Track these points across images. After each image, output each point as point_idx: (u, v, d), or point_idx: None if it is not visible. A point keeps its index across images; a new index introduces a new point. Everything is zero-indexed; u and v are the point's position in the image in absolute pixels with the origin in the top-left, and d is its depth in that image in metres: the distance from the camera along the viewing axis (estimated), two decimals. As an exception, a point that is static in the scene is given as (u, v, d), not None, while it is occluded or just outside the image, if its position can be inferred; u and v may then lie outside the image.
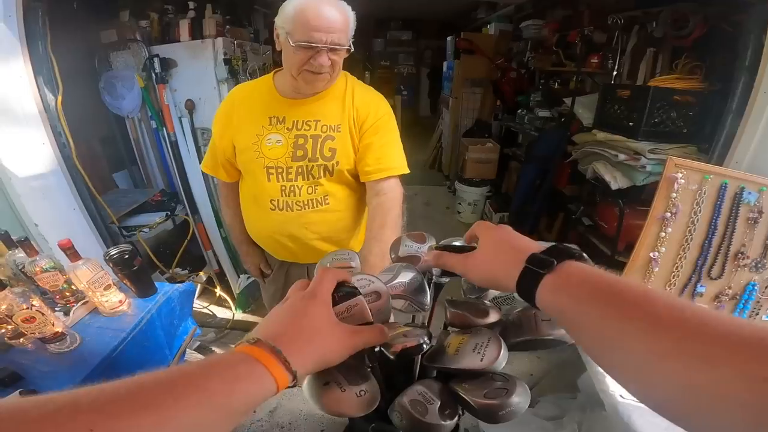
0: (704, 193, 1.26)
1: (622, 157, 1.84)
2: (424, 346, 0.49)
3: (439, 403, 0.48)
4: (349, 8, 1.01)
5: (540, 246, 0.41)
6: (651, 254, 1.39)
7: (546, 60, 3.30)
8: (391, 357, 0.49)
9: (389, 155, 1.16)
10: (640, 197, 1.93)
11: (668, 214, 1.32)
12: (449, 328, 0.60)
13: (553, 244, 0.40)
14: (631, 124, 1.85)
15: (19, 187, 1.39)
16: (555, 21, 3.17)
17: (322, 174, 1.14)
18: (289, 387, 0.35)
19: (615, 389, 1.19)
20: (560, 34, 2.97)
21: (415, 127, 9.15)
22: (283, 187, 1.14)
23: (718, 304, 1.34)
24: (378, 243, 1.08)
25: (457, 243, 0.58)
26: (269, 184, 1.14)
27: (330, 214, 1.20)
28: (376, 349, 0.51)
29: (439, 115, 5.81)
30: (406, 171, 1.19)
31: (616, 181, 1.92)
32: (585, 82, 2.71)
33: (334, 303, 0.47)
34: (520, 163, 3.42)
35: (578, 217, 2.39)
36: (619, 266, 1.93)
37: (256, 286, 2.50)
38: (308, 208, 1.16)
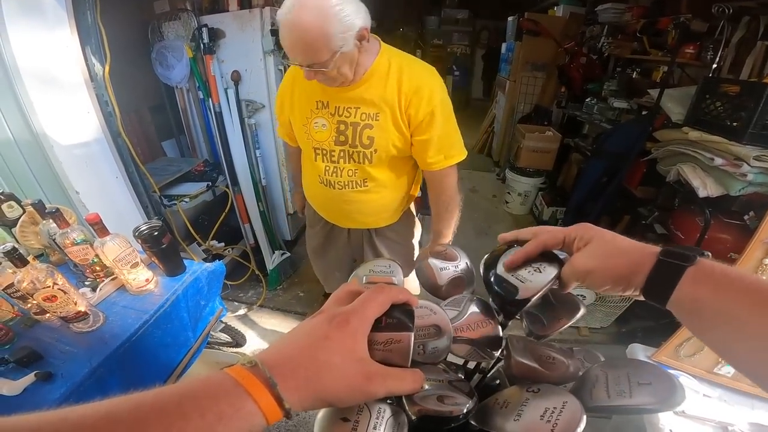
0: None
1: (718, 161, 1.60)
2: (460, 417, 0.38)
3: None
4: (326, 20, 0.87)
5: (650, 246, 0.41)
6: None
7: (626, 47, 2.96)
8: (411, 416, 0.38)
9: (448, 145, 1.14)
10: (730, 208, 1.69)
11: None
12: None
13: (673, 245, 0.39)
14: (735, 124, 1.60)
15: (62, 155, 1.39)
16: (641, 6, 2.83)
17: (361, 160, 1.14)
18: (287, 419, 0.30)
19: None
20: (647, 20, 2.63)
21: (466, 109, 8.83)
22: (327, 168, 1.18)
23: None
24: (447, 222, 1.22)
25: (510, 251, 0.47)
26: (316, 162, 1.19)
27: (369, 194, 1.22)
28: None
29: (493, 98, 5.48)
30: (465, 154, 1.19)
31: (705, 188, 1.68)
32: (674, 73, 2.39)
33: (379, 328, 0.36)
34: (583, 155, 3.11)
35: (649, 222, 2.15)
36: None
37: (289, 263, 2.51)
38: (348, 188, 1.20)
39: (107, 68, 1.51)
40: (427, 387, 0.40)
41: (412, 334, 0.37)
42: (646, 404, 0.38)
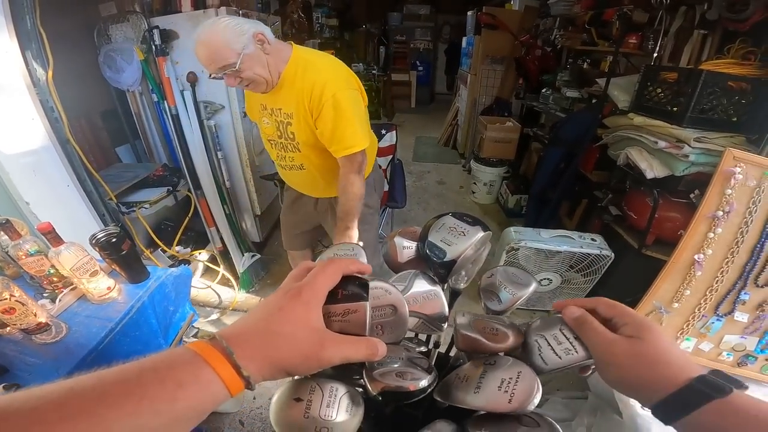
0: (762, 191, 1.13)
1: (662, 144, 1.71)
2: (421, 393, 0.40)
3: None
4: (221, 31, 1.08)
5: (697, 367, 0.37)
6: (696, 256, 1.27)
7: (576, 38, 3.10)
8: (373, 394, 0.40)
9: (340, 137, 1.23)
10: (676, 188, 1.81)
11: (720, 213, 1.20)
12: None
13: (715, 370, 0.37)
14: (675, 109, 1.69)
15: (8, 164, 1.32)
16: None
17: (293, 149, 1.36)
18: (249, 389, 0.32)
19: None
20: (594, 12, 2.77)
21: (431, 103, 8.95)
22: (279, 155, 1.43)
23: (761, 313, 1.23)
24: (342, 207, 1.29)
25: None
26: (272, 150, 1.45)
27: (308, 174, 1.43)
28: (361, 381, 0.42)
29: (456, 92, 5.60)
30: (362, 147, 1.26)
31: (652, 170, 1.79)
32: (619, 63, 2.52)
33: (335, 300, 0.38)
34: (542, 144, 3.25)
35: (604, 205, 2.27)
36: (647, 260, 1.84)
37: (261, 264, 2.48)
38: (295, 170, 1.44)
39: (50, 73, 1.43)
40: (389, 363, 0.42)
41: (368, 304, 0.39)
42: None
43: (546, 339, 0.45)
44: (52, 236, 0.98)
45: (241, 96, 2.10)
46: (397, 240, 0.62)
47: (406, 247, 0.61)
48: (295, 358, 0.34)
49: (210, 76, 1.14)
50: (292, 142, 1.33)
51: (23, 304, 0.92)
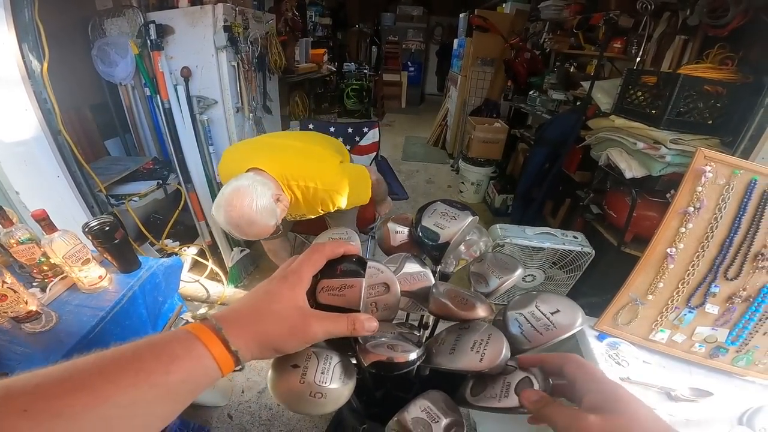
0: (731, 189, 1.19)
1: (640, 145, 1.77)
2: (410, 365, 0.43)
3: (445, 421, 0.43)
4: (258, 217, 1.14)
5: None
6: (668, 250, 1.32)
7: (564, 42, 3.18)
8: (365, 366, 0.42)
9: (358, 195, 1.46)
10: (654, 188, 1.88)
11: (691, 209, 1.26)
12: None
13: None
14: (653, 111, 1.76)
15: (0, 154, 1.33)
16: (578, 3, 3.05)
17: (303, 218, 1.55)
18: (236, 370, 0.34)
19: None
20: (582, 17, 2.85)
21: (420, 104, 9.01)
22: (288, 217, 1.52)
23: (730, 305, 1.29)
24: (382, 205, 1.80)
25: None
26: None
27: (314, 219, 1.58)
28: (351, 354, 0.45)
29: (446, 93, 5.66)
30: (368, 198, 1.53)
31: (631, 170, 1.86)
32: (604, 66, 2.61)
33: (333, 275, 0.41)
34: (528, 145, 3.32)
35: (586, 204, 2.34)
36: (625, 257, 1.92)
37: (249, 259, 2.49)
38: (301, 218, 1.57)
39: (45, 65, 1.44)
40: (375, 341, 0.44)
41: (364, 280, 0.41)
42: (566, 328, 0.47)
43: (524, 316, 0.49)
44: (46, 223, 0.99)
45: (234, 92, 2.13)
46: (390, 225, 0.66)
47: (399, 232, 0.65)
48: (281, 334, 0.36)
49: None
50: (306, 218, 1.53)
51: (15, 291, 0.91)
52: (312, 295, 0.41)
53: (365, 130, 2.31)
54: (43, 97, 1.45)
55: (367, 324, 0.39)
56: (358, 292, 0.41)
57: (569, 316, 0.47)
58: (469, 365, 0.43)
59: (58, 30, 1.60)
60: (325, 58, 4.67)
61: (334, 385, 0.41)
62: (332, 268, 0.41)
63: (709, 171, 1.20)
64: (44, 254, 1.07)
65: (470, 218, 0.59)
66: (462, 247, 0.68)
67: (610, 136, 1.99)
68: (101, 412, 0.26)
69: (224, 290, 2.33)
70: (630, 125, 1.88)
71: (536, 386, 0.41)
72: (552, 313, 0.48)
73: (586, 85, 2.49)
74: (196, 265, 2.37)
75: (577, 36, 2.91)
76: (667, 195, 1.79)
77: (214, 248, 2.35)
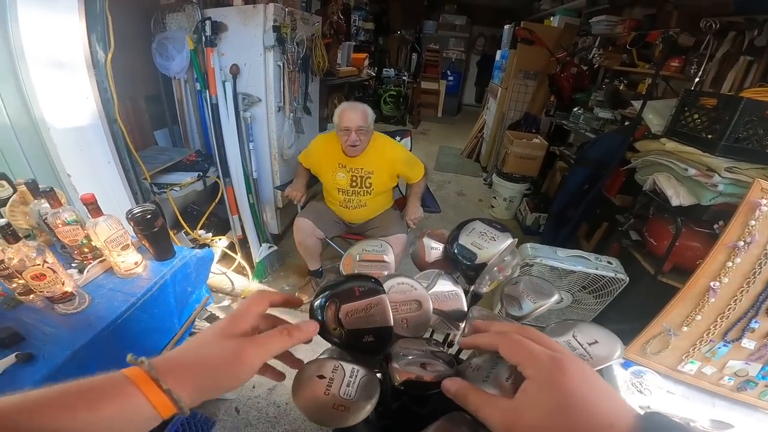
0: (786, 225, 1.11)
1: (691, 171, 1.66)
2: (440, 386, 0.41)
3: None
4: (368, 110, 1.89)
5: (627, 420, 0.27)
6: (711, 284, 1.27)
7: (615, 58, 3.07)
8: (397, 384, 0.42)
9: (412, 173, 2.06)
10: (701, 218, 1.77)
11: (741, 243, 1.19)
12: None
13: (654, 413, 0.27)
14: (709, 136, 1.66)
15: (57, 138, 1.40)
16: (634, 19, 2.94)
17: (365, 194, 2.01)
18: (180, 413, 0.33)
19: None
20: (638, 33, 2.74)
21: (456, 114, 8.95)
22: (345, 198, 2.03)
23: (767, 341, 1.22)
24: (415, 202, 2.08)
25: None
26: (338, 195, 2.03)
27: (366, 210, 2.08)
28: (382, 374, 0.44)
29: (485, 104, 5.59)
30: (423, 173, 2.09)
31: (678, 197, 1.75)
32: (658, 85, 2.49)
33: (354, 298, 0.41)
34: (568, 163, 3.21)
35: (625, 229, 2.23)
36: (659, 287, 1.80)
37: (276, 256, 2.55)
38: (357, 209, 2.05)
39: (110, 56, 1.53)
40: (406, 360, 0.44)
41: (386, 296, 0.41)
42: (603, 360, 0.44)
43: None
44: (93, 207, 1.04)
45: (277, 91, 2.19)
46: (426, 240, 0.64)
47: (434, 248, 0.64)
48: (217, 370, 0.35)
49: (345, 129, 1.82)
50: (368, 189, 1.98)
51: (54, 272, 0.94)
52: (338, 323, 0.40)
53: (398, 138, 2.32)
54: (104, 86, 1.54)
55: (304, 327, 0.39)
56: (385, 308, 0.41)
57: (607, 348, 0.45)
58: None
59: (124, 22, 1.69)
60: (366, 62, 4.73)
61: (359, 398, 0.40)
62: (349, 292, 0.41)
63: (765, 204, 1.12)
64: (87, 237, 1.11)
65: (510, 240, 0.58)
66: (496, 268, 0.67)
67: (659, 160, 1.89)
68: None
69: (249, 285, 2.38)
70: (682, 149, 1.78)
71: None
72: (590, 344, 0.45)
73: (636, 104, 2.37)
74: (224, 258, 2.44)
75: (631, 53, 2.80)
76: (715, 226, 1.70)
77: (243, 242, 2.42)
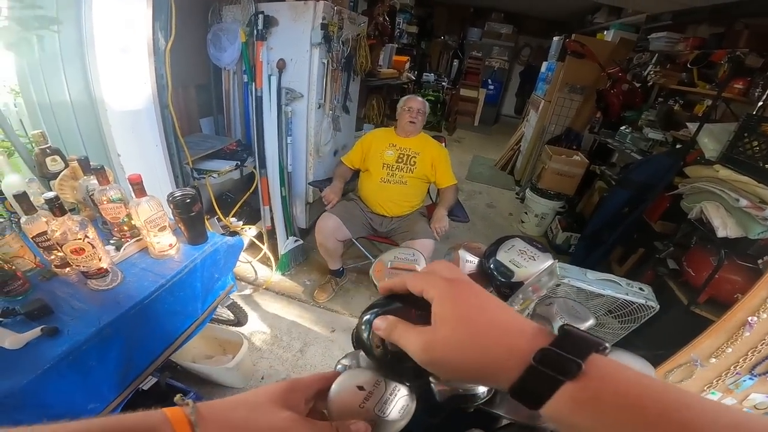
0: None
1: (743, 202, 1.56)
2: (480, 399, 0.42)
3: None
4: (426, 102, 2.24)
5: (532, 325, 0.30)
6: (749, 318, 1.22)
7: (672, 77, 2.91)
8: (437, 398, 0.41)
9: (446, 176, 2.22)
10: (746, 251, 1.65)
11: None
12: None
13: (562, 327, 0.29)
14: (767, 166, 1.56)
15: (113, 119, 1.48)
16: (698, 37, 2.78)
17: (408, 171, 2.18)
18: None
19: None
20: (701, 52, 2.59)
21: (494, 124, 8.79)
22: (389, 172, 2.17)
23: None
24: (442, 211, 2.13)
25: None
26: (379, 170, 2.17)
27: (405, 188, 2.19)
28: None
29: (525, 116, 5.46)
30: (455, 182, 2.24)
31: (725, 228, 1.65)
32: (717, 108, 2.34)
33: (411, 321, 0.39)
34: (608, 184, 3.06)
35: (663, 257, 2.11)
36: (692, 317, 1.73)
37: (301, 250, 2.58)
38: (396, 184, 2.18)
39: (170, 44, 1.59)
40: None
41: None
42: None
43: None
44: (138, 187, 1.08)
45: (319, 88, 2.24)
46: (462, 253, 0.62)
47: (469, 261, 0.62)
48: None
49: (409, 108, 2.15)
50: (411, 167, 2.16)
51: (93, 247, 0.96)
52: (381, 343, 0.39)
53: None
54: (161, 73, 1.61)
55: (353, 428, 0.36)
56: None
57: None
58: (517, 415, 0.41)
59: (185, 12, 1.76)
60: (407, 65, 4.73)
61: (393, 416, 0.39)
62: (407, 313, 0.39)
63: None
64: (128, 215, 1.16)
65: (550, 262, 0.56)
66: (531, 288, 0.64)
67: (709, 188, 1.78)
68: None
69: (272, 275, 2.43)
70: (736, 178, 1.67)
71: None
72: None
73: (691, 126, 2.23)
74: (251, 247, 2.50)
75: (691, 71, 2.64)
76: (759, 261, 1.59)
77: (271, 234, 2.47)
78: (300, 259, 2.61)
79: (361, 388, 0.39)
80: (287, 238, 2.47)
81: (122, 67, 1.46)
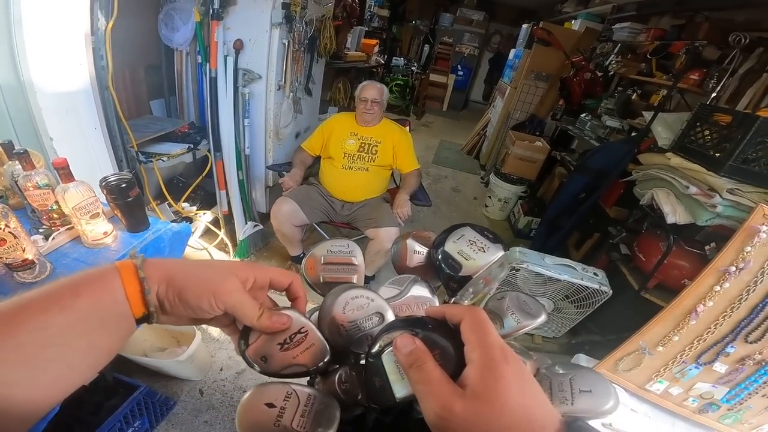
0: (784, 254, 1.08)
1: (692, 189, 1.61)
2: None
3: None
4: (384, 89, 2.17)
5: (555, 421, 0.27)
6: (697, 307, 1.26)
7: (632, 67, 3.00)
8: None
9: (408, 161, 2.22)
10: (693, 237, 1.73)
11: (733, 269, 1.16)
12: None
13: (576, 419, 0.28)
14: (717, 155, 1.60)
15: (43, 102, 1.37)
16: (660, 28, 2.86)
17: (370, 160, 2.15)
18: (146, 319, 0.34)
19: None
20: (661, 43, 2.66)
21: (462, 109, 8.84)
22: (350, 160, 2.13)
23: (740, 366, 1.23)
24: (404, 196, 2.12)
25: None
26: (341, 159, 2.13)
27: (367, 176, 2.17)
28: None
29: (491, 102, 5.51)
30: (418, 167, 2.25)
31: (674, 215, 1.71)
32: (672, 98, 2.42)
33: (286, 348, 0.38)
34: (567, 170, 3.16)
35: (615, 242, 2.20)
36: (642, 303, 1.81)
37: (260, 236, 2.50)
38: (359, 171, 2.15)
39: (111, 24, 1.50)
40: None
41: (310, 323, 0.41)
42: (584, 411, 0.39)
43: (551, 382, 0.42)
44: (64, 172, 0.99)
45: (279, 70, 2.16)
46: (410, 242, 0.58)
47: (417, 252, 0.58)
48: (197, 282, 0.35)
49: (364, 99, 2.08)
50: (373, 156, 2.13)
51: (15, 237, 0.90)
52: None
53: (397, 126, 2.31)
54: (100, 54, 1.51)
55: (275, 317, 0.38)
56: (314, 334, 0.40)
57: (594, 402, 0.40)
58: None
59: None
60: (376, 49, 4.63)
61: (315, 430, 0.36)
62: (281, 343, 0.39)
63: (764, 231, 1.08)
64: (57, 202, 1.07)
65: (501, 253, 0.52)
66: (481, 280, 0.61)
67: (661, 175, 1.84)
68: (17, 339, 0.27)
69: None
70: (687, 166, 1.72)
71: None
72: (581, 391, 0.41)
73: (647, 115, 2.31)
74: (207, 233, 2.39)
75: (650, 62, 2.72)
76: (707, 248, 1.67)
77: (228, 219, 2.38)
78: (260, 245, 2.54)
79: (270, 405, 0.36)
80: (246, 224, 2.39)
81: (53, 48, 1.35)
